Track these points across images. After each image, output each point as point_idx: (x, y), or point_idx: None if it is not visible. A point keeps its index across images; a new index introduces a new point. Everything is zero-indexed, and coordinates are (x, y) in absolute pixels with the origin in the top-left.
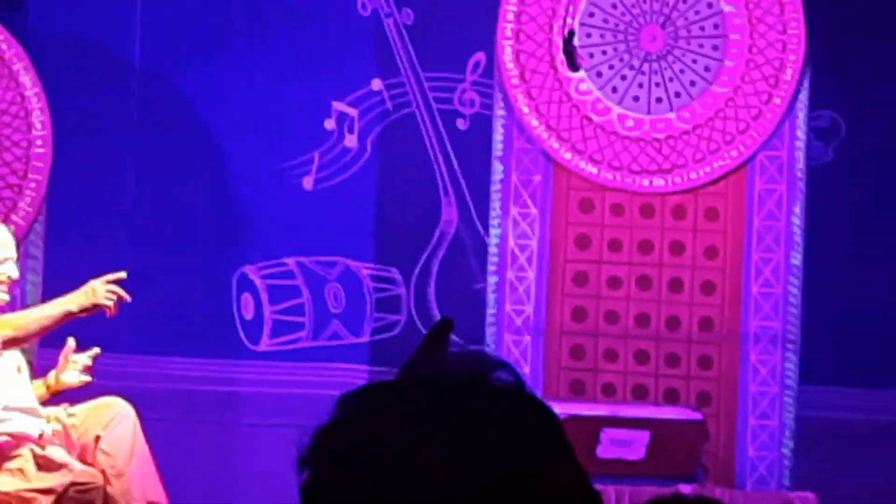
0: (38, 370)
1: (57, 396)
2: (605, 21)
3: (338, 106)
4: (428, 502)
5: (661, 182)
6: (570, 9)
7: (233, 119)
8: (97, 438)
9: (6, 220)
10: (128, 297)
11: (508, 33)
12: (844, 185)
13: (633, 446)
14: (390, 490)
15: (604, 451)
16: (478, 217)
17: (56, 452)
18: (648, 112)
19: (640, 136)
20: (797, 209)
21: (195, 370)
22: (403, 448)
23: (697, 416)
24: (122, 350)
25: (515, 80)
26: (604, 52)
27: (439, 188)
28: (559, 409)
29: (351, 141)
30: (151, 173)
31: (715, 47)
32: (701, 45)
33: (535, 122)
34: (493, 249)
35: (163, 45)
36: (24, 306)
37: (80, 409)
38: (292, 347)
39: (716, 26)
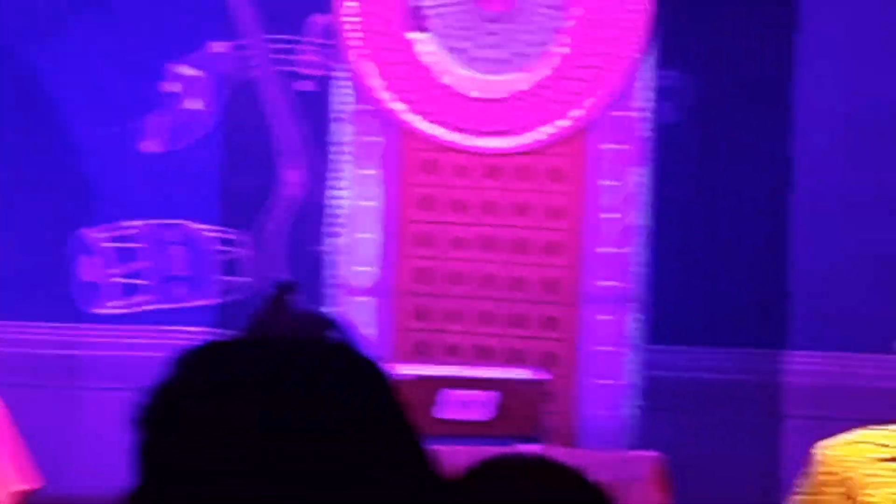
0: None
1: None
2: None
3: (181, 69)
4: (263, 459)
5: (506, 143)
6: None
7: (76, 83)
8: None
9: None
10: None
11: None
12: (691, 144)
13: (476, 407)
14: (226, 448)
15: (447, 411)
16: (321, 179)
17: None
18: (492, 73)
19: (484, 96)
20: (643, 169)
21: (35, 334)
22: (238, 406)
23: (541, 376)
24: None
25: (358, 42)
26: (447, 13)
27: (282, 150)
28: (403, 370)
29: (194, 104)
30: None
31: (557, 7)
32: (543, 6)
33: (378, 84)
34: (336, 211)
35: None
36: None
37: None
38: (135, 311)
39: None
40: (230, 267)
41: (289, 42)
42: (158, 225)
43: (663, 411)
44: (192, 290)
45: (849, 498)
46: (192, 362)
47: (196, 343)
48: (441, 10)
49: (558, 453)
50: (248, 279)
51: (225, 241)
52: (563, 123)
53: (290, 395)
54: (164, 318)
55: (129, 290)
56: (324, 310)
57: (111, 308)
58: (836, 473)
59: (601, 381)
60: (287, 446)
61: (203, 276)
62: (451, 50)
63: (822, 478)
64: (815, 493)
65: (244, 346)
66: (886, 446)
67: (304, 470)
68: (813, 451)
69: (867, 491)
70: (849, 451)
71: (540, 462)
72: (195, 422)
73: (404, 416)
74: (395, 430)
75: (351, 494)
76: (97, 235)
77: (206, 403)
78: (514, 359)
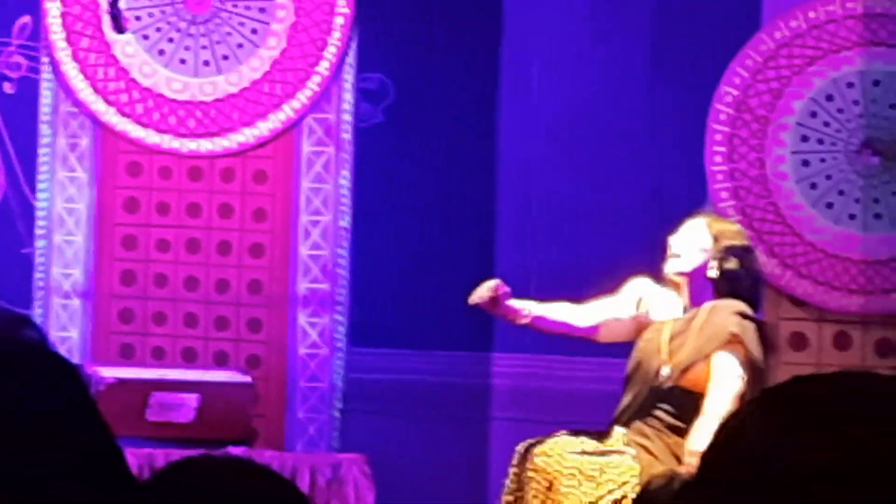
0: None
1: None
2: None
3: None
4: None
5: (209, 145)
6: None
7: None
8: None
9: None
10: None
11: None
12: (393, 147)
13: (182, 409)
14: None
15: (153, 414)
16: (25, 181)
17: None
18: (196, 75)
19: (188, 98)
20: (345, 171)
21: None
22: None
23: (247, 378)
24: None
25: (61, 44)
26: (150, 15)
27: None
28: (108, 373)
29: None
30: None
31: (262, 10)
32: (248, 8)
33: (81, 86)
34: (40, 213)
35: None
36: None
37: None
38: None
39: None
40: None
41: None
42: None
43: (368, 413)
44: None
45: (549, 489)
46: None
47: None
48: (144, 11)
49: (266, 456)
50: None
51: None
52: (268, 126)
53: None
54: None
55: None
56: (19, 310)
57: None
58: (538, 468)
59: (307, 384)
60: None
61: None
62: (154, 51)
63: (528, 473)
64: (521, 487)
65: None
66: (581, 443)
67: None
68: (518, 448)
69: (563, 481)
70: (550, 448)
71: (233, 462)
72: None
73: (98, 416)
74: (90, 432)
75: (45, 495)
76: None
77: None
78: (220, 361)
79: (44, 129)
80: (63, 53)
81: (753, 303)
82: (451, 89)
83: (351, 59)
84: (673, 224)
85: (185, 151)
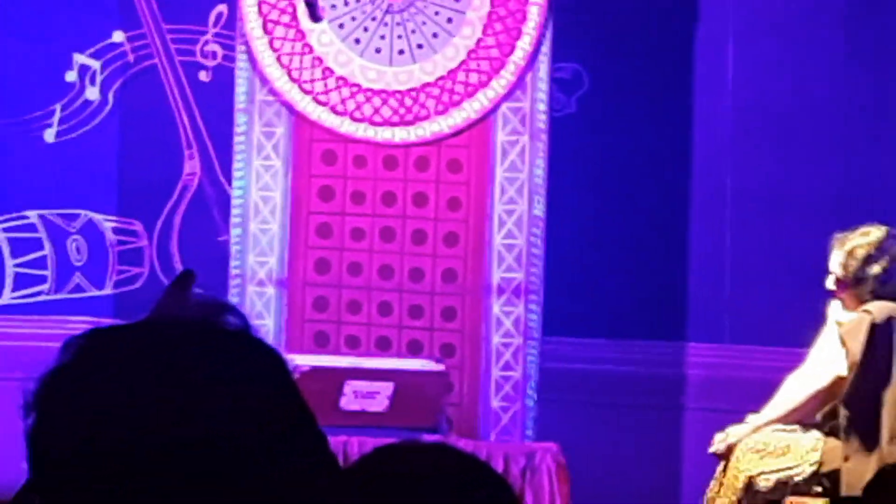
0: None
1: None
2: None
3: (79, 58)
4: (156, 445)
5: (404, 134)
6: None
7: None
8: None
9: None
10: None
11: None
12: (586, 136)
13: (376, 398)
14: (117, 433)
15: (347, 402)
16: (221, 170)
17: None
18: (391, 64)
19: (383, 87)
20: (540, 161)
21: None
22: (129, 391)
23: (441, 367)
24: None
25: (257, 32)
26: (346, 4)
27: (182, 140)
28: (303, 361)
29: (92, 93)
30: None
31: (458, 0)
32: None
33: (276, 74)
34: (236, 202)
35: None
36: None
37: None
38: (34, 301)
39: None
40: (129, 257)
41: (189, 32)
42: (57, 215)
43: (562, 403)
44: (91, 281)
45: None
46: (82, 347)
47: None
48: (338, 0)
49: (460, 445)
50: (147, 269)
51: (124, 231)
52: (462, 115)
53: (187, 380)
54: (63, 309)
55: (29, 280)
56: (222, 298)
57: (10, 298)
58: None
59: (501, 373)
60: (184, 433)
61: (102, 266)
62: (349, 40)
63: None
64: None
65: (137, 330)
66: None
67: (201, 457)
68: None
69: (747, 454)
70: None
71: (440, 449)
72: (86, 407)
73: (303, 403)
74: (295, 418)
75: (251, 483)
76: None
77: (98, 388)
78: (414, 350)
79: (239, 118)
80: (259, 42)
81: None
82: (645, 77)
83: (545, 48)
84: (864, 217)
85: (380, 140)
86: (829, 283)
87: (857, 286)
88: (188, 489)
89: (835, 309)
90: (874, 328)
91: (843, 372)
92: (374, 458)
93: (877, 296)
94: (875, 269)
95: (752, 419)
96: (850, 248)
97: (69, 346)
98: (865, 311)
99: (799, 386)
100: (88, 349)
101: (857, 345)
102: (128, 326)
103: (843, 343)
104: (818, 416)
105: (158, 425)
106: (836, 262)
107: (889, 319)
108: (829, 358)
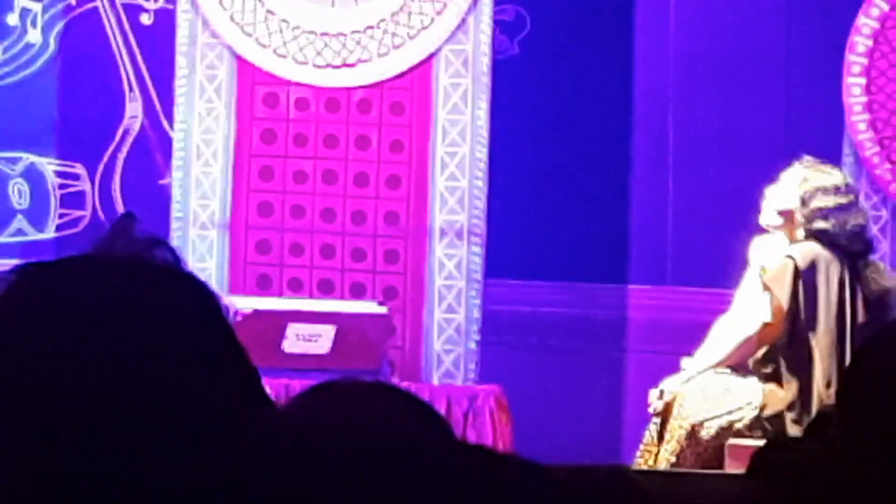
0: None
1: None
2: None
3: (20, 0)
4: (76, 385)
5: (346, 77)
6: None
7: None
8: None
9: None
10: None
11: None
12: (529, 79)
13: (318, 341)
14: (33, 374)
15: (290, 345)
16: (163, 112)
17: None
18: (332, 6)
19: (325, 30)
20: (482, 103)
21: None
22: (48, 330)
23: (383, 310)
24: None
25: None
26: None
27: (123, 84)
28: (245, 303)
29: (34, 36)
30: None
31: None
32: None
33: (218, 17)
34: (178, 145)
35: None
36: None
37: None
38: None
39: None
40: (71, 200)
41: None
42: None
43: (504, 346)
44: (33, 224)
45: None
46: (5, 284)
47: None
48: None
49: (402, 387)
50: (89, 212)
51: (66, 175)
52: (405, 57)
53: (114, 315)
54: (4, 252)
55: None
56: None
57: None
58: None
59: (443, 315)
60: (106, 373)
61: (43, 209)
62: None
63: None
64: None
65: (60, 267)
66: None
67: (125, 398)
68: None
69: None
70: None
71: (378, 387)
72: (13, 347)
73: (234, 339)
74: (226, 356)
75: (180, 423)
76: None
77: (16, 327)
78: (357, 293)
79: (181, 61)
80: None
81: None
82: (587, 20)
83: None
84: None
85: (322, 83)
86: (771, 218)
87: (806, 220)
88: (112, 431)
89: (758, 249)
90: (798, 274)
91: (769, 319)
92: (309, 396)
93: (811, 235)
94: (826, 202)
95: (686, 365)
96: (806, 191)
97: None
98: (788, 255)
99: (728, 332)
100: (10, 287)
101: (784, 292)
102: (51, 263)
103: (768, 289)
104: (750, 362)
105: (78, 365)
106: (788, 192)
107: (813, 264)
108: (754, 303)
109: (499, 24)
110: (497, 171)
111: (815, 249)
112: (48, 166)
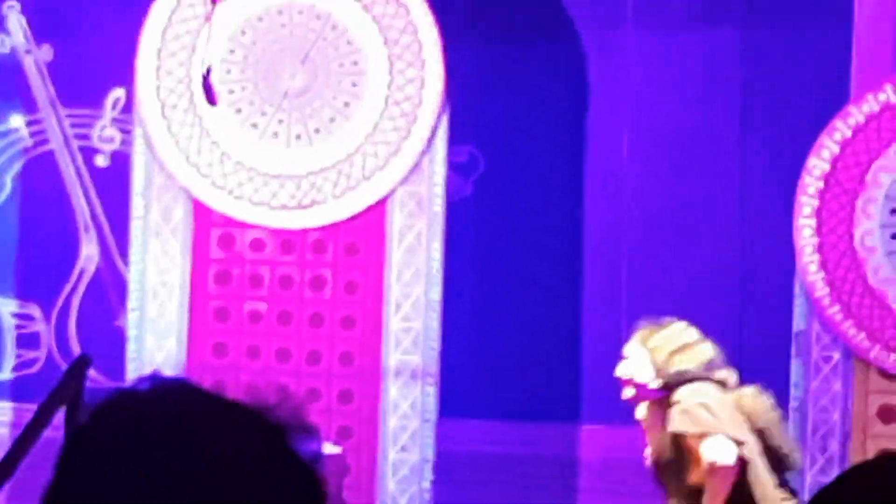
0: None
1: None
2: (246, 57)
3: None
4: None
5: (301, 218)
6: (210, 44)
7: None
8: None
9: None
10: None
11: (147, 69)
12: (483, 219)
13: None
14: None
15: None
16: (118, 253)
17: None
18: (288, 147)
19: (280, 172)
20: (436, 244)
21: None
22: (143, 464)
23: (338, 450)
24: None
25: (155, 116)
26: (244, 89)
27: (79, 224)
28: None
29: None
30: None
31: (354, 84)
32: (340, 82)
33: (174, 158)
34: (133, 286)
35: None
36: None
37: None
38: None
39: (354, 63)
40: (27, 341)
41: (86, 116)
42: None
43: (458, 484)
44: None
45: None
46: (107, 410)
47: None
48: (237, 84)
49: None
50: (44, 353)
51: (21, 316)
52: (359, 198)
53: (201, 466)
54: None
55: None
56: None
57: None
58: None
59: (398, 455)
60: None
61: None
62: (246, 125)
63: None
64: None
65: (167, 400)
66: None
67: None
68: None
69: None
70: None
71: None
72: (100, 473)
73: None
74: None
75: None
76: None
77: (114, 456)
78: None
79: (137, 202)
80: (156, 126)
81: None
82: (540, 160)
83: (441, 132)
84: (762, 298)
85: (277, 224)
86: (627, 394)
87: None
88: None
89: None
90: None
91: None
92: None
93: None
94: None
95: None
96: (659, 361)
97: (99, 407)
98: (738, 441)
99: None
100: (112, 413)
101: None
102: (159, 394)
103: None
104: None
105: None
106: (639, 376)
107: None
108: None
109: (453, 166)
110: (451, 312)
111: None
112: (3, 307)
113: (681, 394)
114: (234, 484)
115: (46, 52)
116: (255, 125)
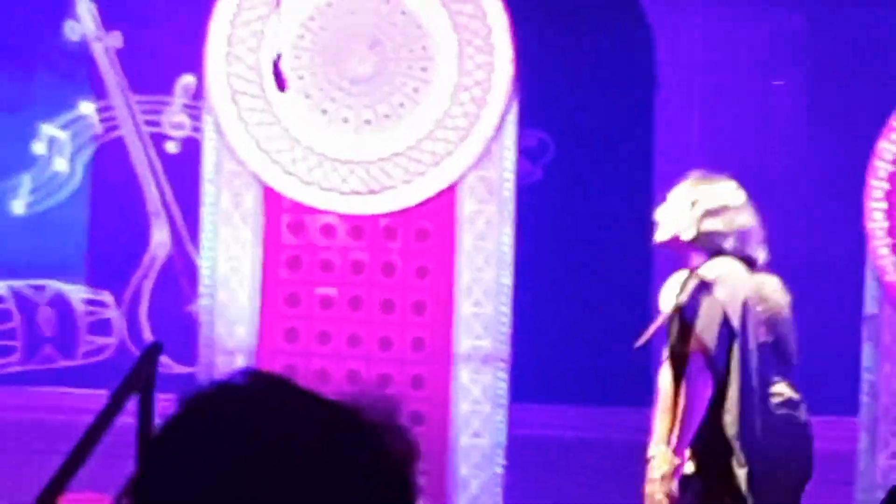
0: None
1: None
2: (315, 43)
3: (47, 129)
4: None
5: (371, 203)
6: (279, 31)
7: None
8: None
9: None
10: None
11: (217, 56)
12: (552, 203)
13: None
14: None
15: None
16: (189, 239)
17: None
18: (357, 133)
19: (350, 157)
20: (507, 229)
21: None
22: (230, 461)
23: (409, 435)
24: None
25: (225, 102)
26: (313, 74)
27: (150, 211)
28: None
29: (61, 164)
30: None
31: (424, 69)
32: (410, 67)
33: (245, 145)
34: (204, 272)
35: None
36: None
37: None
38: (3, 372)
39: (424, 48)
40: (98, 327)
41: (156, 102)
42: (27, 286)
43: (530, 469)
44: (60, 351)
45: None
46: (196, 406)
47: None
48: (306, 70)
49: None
50: (116, 339)
51: (93, 302)
52: (429, 184)
53: (290, 464)
54: (32, 379)
55: None
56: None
57: None
58: None
59: (470, 440)
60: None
61: (71, 336)
62: (316, 110)
63: None
64: None
65: (257, 396)
66: None
67: None
68: None
69: None
70: None
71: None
72: (187, 468)
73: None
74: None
75: None
76: None
77: (201, 452)
78: None
79: (207, 188)
80: (226, 112)
81: (746, 258)
82: (609, 143)
83: (511, 116)
84: (832, 281)
85: (347, 210)
86: (661, 233)
87: (698, 239)
88: None
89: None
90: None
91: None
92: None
93: (714, 252)
94: (710, 224)
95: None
96: (694, 198)
97: (193, 398)
98: (714, 298)
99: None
100: (207, 406)
101: (712, 338)
102: (256, 389)
103: (699, 337)
104: None
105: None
106: (672, 215)
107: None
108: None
109: (523, 150)
110: (521, 296)
111: (736, 277)
112: (75, 294)
113: (706, 269)
114: (328, 485)
115: (116, 39)
116: (324, 111)
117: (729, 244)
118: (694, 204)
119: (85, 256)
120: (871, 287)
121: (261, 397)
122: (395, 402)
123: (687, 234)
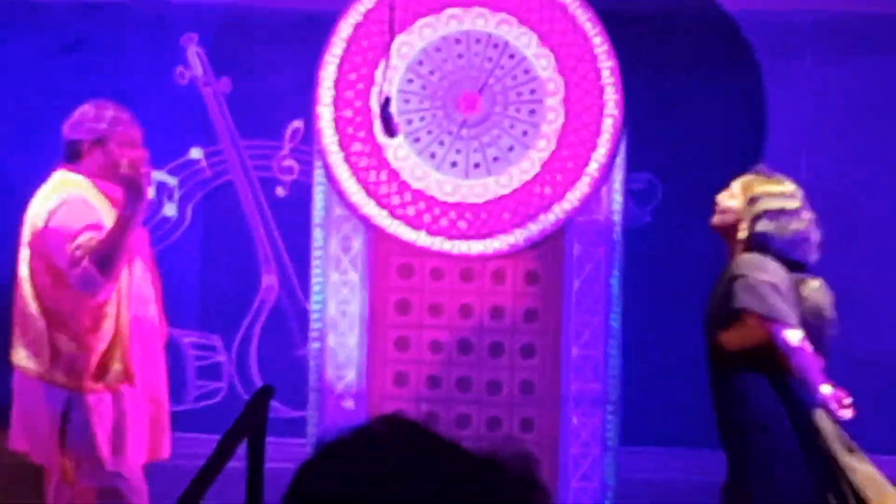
0: None
1: None
2: (424, 87)
3: (156, 175)
4: None
5: (480, 246)
6: (388, 75)
7: None
8: None
9: None
10: None
11: (326, 100)
12: (661, 247)
13: None
14: None
15: None
16: (298, 284)
17: None
18: (466, 177)
19: (459, 200)
20: (615, 272)
21: None
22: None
23: None
24: None
25: (333, 147)
26: (422, 118)
27: (259, 255)
28: None
29: (170, 210)
30: None
31: (532, 112)
32: (518, 110)
33: (353, 189)
34: (314, 316)
35: None
36: None
37: None
38: None
39: (532, 91)
40: (208, 371)
41: (266, 148)
42: None
43: None
44: (171, 395)
45: None
46: (341, 450)
47: (183, 451)
48: (415, 114)
49: None
50: (225, 384)
51: (203, 347)
52: (538, 227)
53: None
54: None
55: None
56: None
57: None
58: None
59: (579, 483)
60: None
61: (181, 380)
62: (425, 154)
63: None
64: None
65: (410, 443)
66: None
67: None
68: None
69: None
70: None
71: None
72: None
73: None
74: None
75: None
76: None
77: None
78: None
79: (316, 233)
80: (335, 157)
81: (789, 262)
82: (718, 186)
83: (619, 159)
84: None
85: (456, 253)
86: (718, 218)
87: (750, 221)
88: None
89: None
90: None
91: None
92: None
93: (753, 237)
94: (763, 226)
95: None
96: (753, 193)
97: (331, 443)
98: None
99: None
100: (348, 452)
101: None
102: (396, 437)
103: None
104: None
105: None
106: (736, 195)
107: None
108: None
109: (631, 194)
110: (629, 340)
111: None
112: (185, 338)
113: (746, 266)
114: None
115: (225, 84)
116: (433, 154)
117: (776, 245)
118: (754, 201)
119: (194, 300)
120: None
121: (401, 445)
122: (533, 455)
123: (741, 234)
